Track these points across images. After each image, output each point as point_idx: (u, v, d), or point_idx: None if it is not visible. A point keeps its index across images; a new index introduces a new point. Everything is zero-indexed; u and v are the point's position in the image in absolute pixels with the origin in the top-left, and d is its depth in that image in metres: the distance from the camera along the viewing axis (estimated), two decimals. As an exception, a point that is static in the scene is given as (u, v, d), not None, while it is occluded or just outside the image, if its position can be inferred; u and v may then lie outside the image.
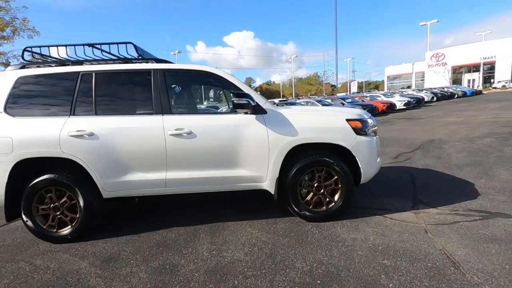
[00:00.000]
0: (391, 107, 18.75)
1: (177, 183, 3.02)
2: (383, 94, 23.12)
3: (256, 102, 2.96)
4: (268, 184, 3.03)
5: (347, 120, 3.02)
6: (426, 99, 24.61)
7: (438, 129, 9.70)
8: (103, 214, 3.46)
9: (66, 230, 2.98)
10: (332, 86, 73.17)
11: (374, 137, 3.16)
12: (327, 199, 3.10)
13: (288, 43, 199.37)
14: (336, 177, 3.05)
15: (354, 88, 63.94)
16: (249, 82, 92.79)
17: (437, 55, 52.36)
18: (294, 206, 3.07)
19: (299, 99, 27.58)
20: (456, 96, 29.89)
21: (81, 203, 2.94)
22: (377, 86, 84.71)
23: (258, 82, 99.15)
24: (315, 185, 3.07)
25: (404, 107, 20.02)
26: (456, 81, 50.24)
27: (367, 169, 3.06)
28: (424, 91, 28.39)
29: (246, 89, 3.06)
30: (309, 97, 32.97)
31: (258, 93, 3.47)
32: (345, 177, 3.02)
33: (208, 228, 3.13)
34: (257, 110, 2.99)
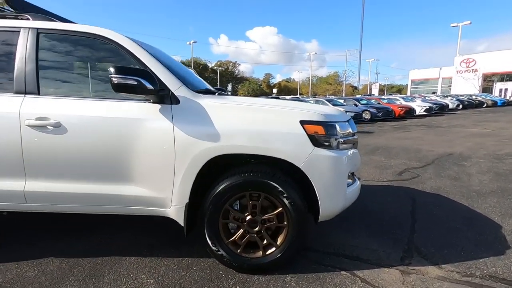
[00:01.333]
0: (409, 112, 17.11)
1: (42, 198, 2.04)
2: (403, 98, 21.34)
3: (160, 86, 1.92)
4: (175, 211, 1.99)
5: (302, 122, 1.91)
6: (450, 106, 22.58)
7: (460, 140, 8.28)
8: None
9: None
10: (352, 87, 70.54)
11: (347, 152, 2.04)
12: (265, 241, 2.03)
13: (311, 41, 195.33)
14: (280, 209, 1.96)
15: (375, 91, 61.29)
16: (268, 77, 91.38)
17: (468, 61, 48.91)
18: (212, 247, 2.01)
19: (314, 97, 26.18)
20: (485, 105, 27.42)
21: None
22: (400, 89, 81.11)
23: (278, 79, 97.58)
24: (247, 218, 2.00)
25: (425, 113, 18.29)
26: (487, 89, 46.83)
27: (329, 201, 1.95)
28: (449, 97, 26.18)
29: (150, 62, 2.00)
30: (327, 96, 31.51)
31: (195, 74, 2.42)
32: (295, 212, 1.92)
33: (90, 267, 2.13)
34: (163, 98, 1.95)
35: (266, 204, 2.03)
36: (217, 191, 1.93)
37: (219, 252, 2.01)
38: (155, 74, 1.94)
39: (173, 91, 1.96)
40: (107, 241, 2.51)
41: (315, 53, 67.44)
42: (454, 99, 25.01)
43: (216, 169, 2.05)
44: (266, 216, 1.99)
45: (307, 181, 1.93)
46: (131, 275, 2.03)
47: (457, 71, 50.27)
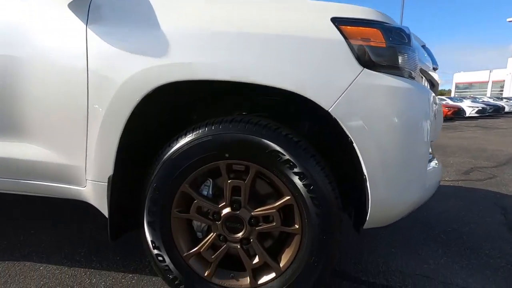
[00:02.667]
0: (458, 113, 15.08)
1: None
2: (450, 98, 19.10)
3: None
4: (92, 190, 1.09)
5: (338, 21, 0.92)
6: (506, 109, 19.83)
7: (534, 141, 6.66)
8: None
9: None
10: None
11: (425, 87, 1.02)
12: (257, 258, 1.06)
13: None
14: (288, 198, 0.99)
15: (413, 95, 57.16)
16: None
17: (524, 62, 43.92)
18: (159, 262, 1.09)
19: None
20: (548, 110, 23.92)
21: None
22: (442, 94, 75.42)
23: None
24: (223, 212, 1.05)
25: (476, 114, 16.08)
26: (547, 94, 41.59)
27: (390, 186, 0.93)
28: (505, 99, 23.20)
29: None
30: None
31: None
32: (316, 204, 0.94)
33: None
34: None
35: (262, 189, 1.08)
36: (166, 157, 1.01)
37: (171, 274, 1.08)
38: None
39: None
40: (29, 238, 1.69)
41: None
42: (511, 101, 22.05)
43: (166, 114, 1.14)
44: (259, 210, 1.02)
45: (344, 142, 0.94)
46: (24, 300, 1.17)
47: None
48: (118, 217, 1.08)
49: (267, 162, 0.96)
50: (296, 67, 0.89)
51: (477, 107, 16.35)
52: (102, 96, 0.99)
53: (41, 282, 1.28)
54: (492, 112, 17.53)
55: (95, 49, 0.99)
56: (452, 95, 58.20)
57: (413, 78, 0.96)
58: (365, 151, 0.89)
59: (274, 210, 1.00)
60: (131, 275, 1.35)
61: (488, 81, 52.02)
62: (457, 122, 13.43)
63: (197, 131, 0.99)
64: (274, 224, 1.01)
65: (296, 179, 0.94)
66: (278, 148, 0.94)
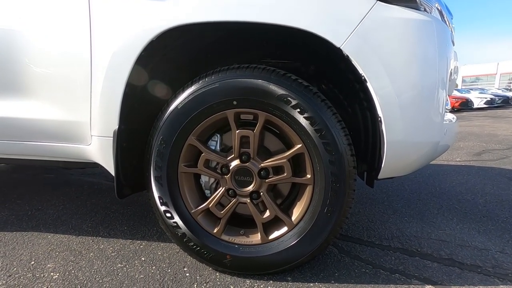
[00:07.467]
0: (466, 104, 14.83)
1: None
2: (457, 90, 18.77)
3: None
4: (98, 147, 1.07)
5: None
6: (516, 99, 19.44)
7: (546, 127, 6.51)
8: None
9: None
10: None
11: (444, 23, 0.97)
12: (268, 212, 1.02)
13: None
14: (299, 146, 0.95)
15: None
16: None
17: (533, 53, 43.00)
18: (168, 219, 1.06)
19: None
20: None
21: None
22: (449, 88, 74.22)
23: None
24: (232, 164, 1.02)
25: (485, 105, 15.77)
26: (557, 85, 40.66)
27: (405, 130, 0.88)
28: (514, 90, 22.75)
29: None
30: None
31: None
32: (329, 150, 0.90)
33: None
34: None
35: (271, 142, 1.04)
36: (172, 107, 0.98)
37: (179, 230, 1.05)
38: None
39: None
40: (36, 213, 1.68)
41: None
42: (520, 92, 21.58)
43: (172, 63, 1.11)
44: (269, 161, 0.99)
45: (356, 85, 0.90)
46: (32, 262, 1.16)
47: (520, 64, 44.37)
48: (124, 172, 1.05)
49: (276, 108, 0.92)
50: (303, 2, 0.85)
51: (486, 98, 16.04)
52: (106, 43, 0.96)
53: (49, 248, 1.26)
54: (501, 103, 17.17)
55: (97, -3, 0.97)
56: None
57: (429, 8, 0.91)
58: (380, 90, 0.85)
59: (285, 160, 0.97)
60: (139, 241, 1.32)
61: (496, 74, 51.05)
62: (465, 113, 13.21)
63: (204, 79, 0.96)
64: (285, 174, 0.97)
65: (307, 125, 0.90)
66: (287, 92, 0.90)
